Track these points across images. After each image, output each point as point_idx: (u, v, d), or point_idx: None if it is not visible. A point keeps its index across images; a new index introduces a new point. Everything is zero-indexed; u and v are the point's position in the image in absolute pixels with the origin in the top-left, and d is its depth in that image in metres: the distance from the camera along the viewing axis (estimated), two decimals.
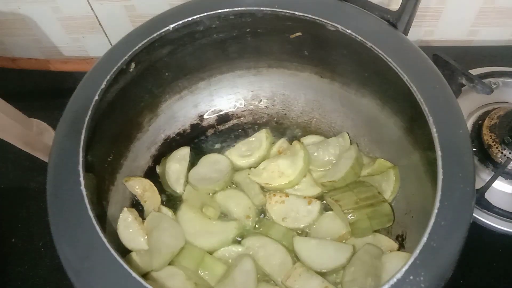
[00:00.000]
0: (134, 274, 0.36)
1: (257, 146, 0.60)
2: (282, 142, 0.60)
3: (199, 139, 0.63)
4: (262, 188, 0.57)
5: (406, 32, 0.48)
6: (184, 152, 0.60)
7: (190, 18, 0.49)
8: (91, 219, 0.39)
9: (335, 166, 0.57)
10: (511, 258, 0.56)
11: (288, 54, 0.58)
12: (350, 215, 0.51)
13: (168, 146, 0.61)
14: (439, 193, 0.38)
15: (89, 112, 0.44)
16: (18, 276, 0.58)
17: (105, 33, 0.73)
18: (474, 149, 0.60)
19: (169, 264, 0.50)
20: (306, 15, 0.48)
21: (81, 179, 0.40)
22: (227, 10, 0.49)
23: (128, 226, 0.51)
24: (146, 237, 0.51)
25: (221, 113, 0.64)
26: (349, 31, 0.47)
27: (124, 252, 0.50)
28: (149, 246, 0.50)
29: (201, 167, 0.59)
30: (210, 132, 0.64)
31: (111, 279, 0.37)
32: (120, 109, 0.51)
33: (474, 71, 0.66)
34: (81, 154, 0.42)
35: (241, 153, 0.60)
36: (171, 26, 0.49)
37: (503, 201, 0.58)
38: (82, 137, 0.43)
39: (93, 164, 0.44)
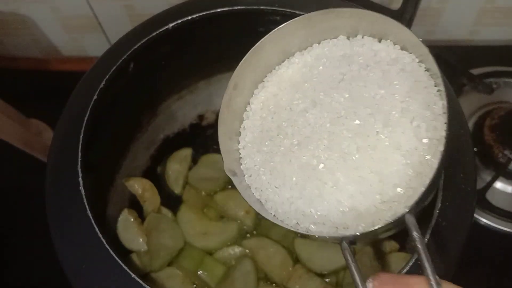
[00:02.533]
0: (133, 275, 0.36)
1: None
2: None
3: (198, 139, 0.63)
4: None
5: None
6: (186, 153, 0.60)
7: (189, 17, 0.49)
8: (90, 220, 0.39)
9: None
10: None
11: None
12: None
13: (168, 146, 0.61)
14: (440, 193, 0.38)
15: (88, 112, 0.44)
16: (17, 276, 0.58)
17: (104, 33, 0.72)
18: (475, 149, 0.60)
19: (169, 265, 0.50)
20: None
21: (80, 179, 0.40)
22: (227, 9, 0.49)
23: (127, 227, 0.51)
24: (145, 238, 0.50)
25: None
26: None
27: (124, 253, 0.50)
28: (148, 247, 0.50)
29: (201, 167, 0.59)
30: (209, 132, 0.63)
31: (110, 280, 0.36)
32: (119, 109, 0.51)
33: (475, 71, 0.66)
34: (80, 154, 0.41)
35: None
36: (170, 25, 0.49)
37: (504, 201, 0.58)
38: (81, 137, 0.42)
39: (92, 164, 0.44)
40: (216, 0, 0.50)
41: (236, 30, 0.54)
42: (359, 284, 0.26)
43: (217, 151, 0.61)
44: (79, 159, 0.41)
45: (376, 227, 0.27)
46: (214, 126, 0.64)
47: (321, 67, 0.34)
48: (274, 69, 0.36)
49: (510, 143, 0.58)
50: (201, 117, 0.63)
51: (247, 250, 0.52)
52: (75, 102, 0.46)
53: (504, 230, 0.56)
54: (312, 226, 0.30)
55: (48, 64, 0.75)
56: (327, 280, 0.49)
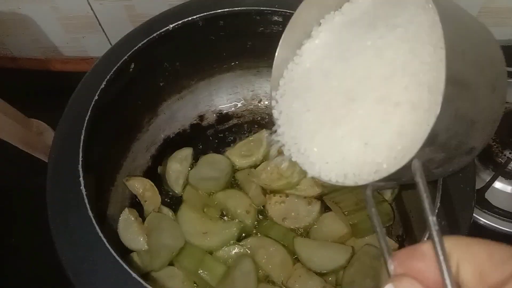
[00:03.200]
0: (134, 274, 0.36)
1: (257, 146, 0.60)
2: None
3: (199, 139, 0.63)
4: (262, 188, 0.57)
5: None
6: (186, 153, 0.60)
7: (189, 18, 0.49)
8: (91, 219, 0.39)
9: None
10: None
11: None
12: (350, 217, 0.51)
13: (168, 146, 0.61)
14: (439, 193, 0.38)
15: (89, 112, 0.44)
16: (17, 276, 0.58)
17: (105, 33, 0.73)
18: None
19: (169, 264, 0.50)
20: None
21: (81, 179, 0.40)
22: (227, 10, 0.49)
23: (128, 226, 0.51)
24: (146, 237, 0.50)
25: (221, 113, 0.64)
26: None
27: (125, 252, 0.50)
28: (149, 247, 0.50)
29: (201, 167, 0.59)
30: (210, 132, 0.63)
31: (111, 279, 0.37)
32: (119, 109, 0.51)
33: None
34: (81, 154, 0.42)
35: (241, 153, 0.60)
36: (171, 26, 0.49)
37: (503, 201, 0.58)
38: (82, 137, 0.43)
39: (93, 164, 0.44)
40: (216, 1, 0.50)
41: (236, 31, 0.54)
42: (378, 228, 0.29)
43: (217, 151, 0.62)
44: (80, 159, 0.41)
45: (386, 174, 0.29)
46: (214, 126, 0.64)
47: (342, 31, 0.35)
48: (310, 36, 0.38)
49: (509, 143, 0.58)
50: (201, 117, 0.63)
51: (247, 250, 0.52)
52: (76, 102, 0.46)
53: (504, 230, 0.56)
54: (349, 181, 0.32)
55: (49, 64, 0.75)
56: (326, 279, 0.50)
